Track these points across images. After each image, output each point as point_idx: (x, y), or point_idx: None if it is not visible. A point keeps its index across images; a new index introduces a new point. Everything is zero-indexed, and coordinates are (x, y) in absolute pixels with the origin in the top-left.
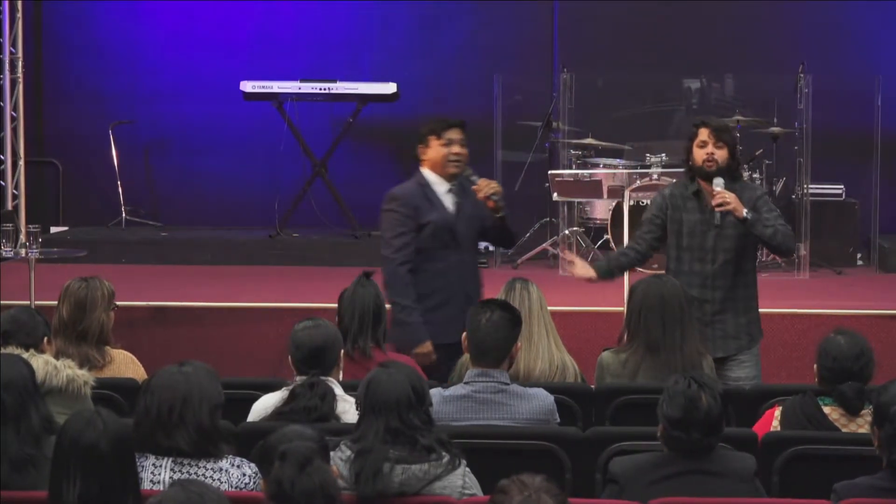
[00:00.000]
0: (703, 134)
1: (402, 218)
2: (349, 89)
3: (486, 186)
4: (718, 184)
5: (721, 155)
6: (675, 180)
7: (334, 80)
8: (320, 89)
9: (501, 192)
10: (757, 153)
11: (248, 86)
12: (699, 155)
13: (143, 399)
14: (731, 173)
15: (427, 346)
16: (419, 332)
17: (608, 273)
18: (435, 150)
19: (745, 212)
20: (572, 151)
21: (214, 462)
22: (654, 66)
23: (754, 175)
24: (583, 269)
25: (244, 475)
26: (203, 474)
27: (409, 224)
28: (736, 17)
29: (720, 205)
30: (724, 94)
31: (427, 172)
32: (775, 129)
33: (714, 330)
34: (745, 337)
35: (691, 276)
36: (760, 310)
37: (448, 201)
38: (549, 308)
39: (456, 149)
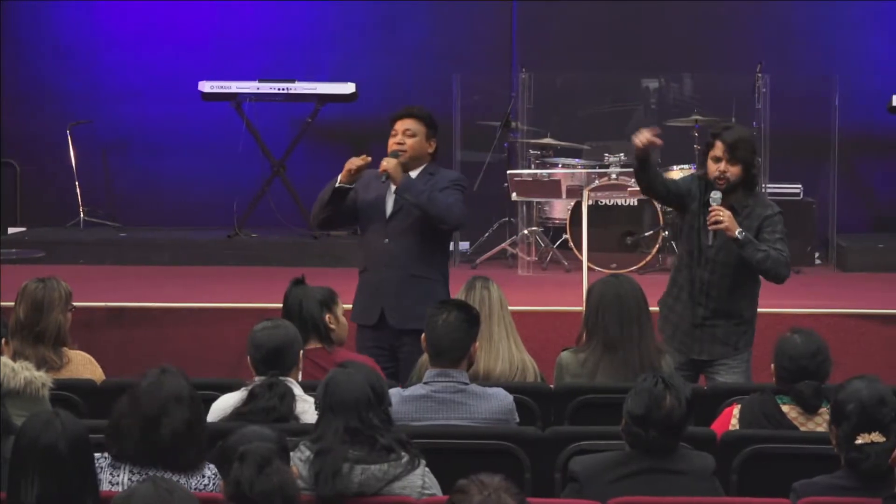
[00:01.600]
0: (718, 149)
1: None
2: (308, 89)
3: (382, 166)
4: (715, 199)
5: (734, 172)
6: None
7: (293, 81)
8: (279, 89)
9: (393, 167)
10: None
11: (206, 86)
12: (712, 169)
13: (144, 411)
14: (746, 186)
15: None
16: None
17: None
18: (390, 139)
19: (737, 232)
20: (531, 151)
21: (193, 469)
22: (612, 66)
23: None
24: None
25: (203, 476)
26: (162, 475)
27: (352, 194)
28: (694, 17)
29: (715, 222)
30: (683, 93)
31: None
32: None
33: (703, 332)
34: (732, 343)
35: (696, 277)
36: None
37: (385, 189)
38: (509, 308)
39: (398, 137)
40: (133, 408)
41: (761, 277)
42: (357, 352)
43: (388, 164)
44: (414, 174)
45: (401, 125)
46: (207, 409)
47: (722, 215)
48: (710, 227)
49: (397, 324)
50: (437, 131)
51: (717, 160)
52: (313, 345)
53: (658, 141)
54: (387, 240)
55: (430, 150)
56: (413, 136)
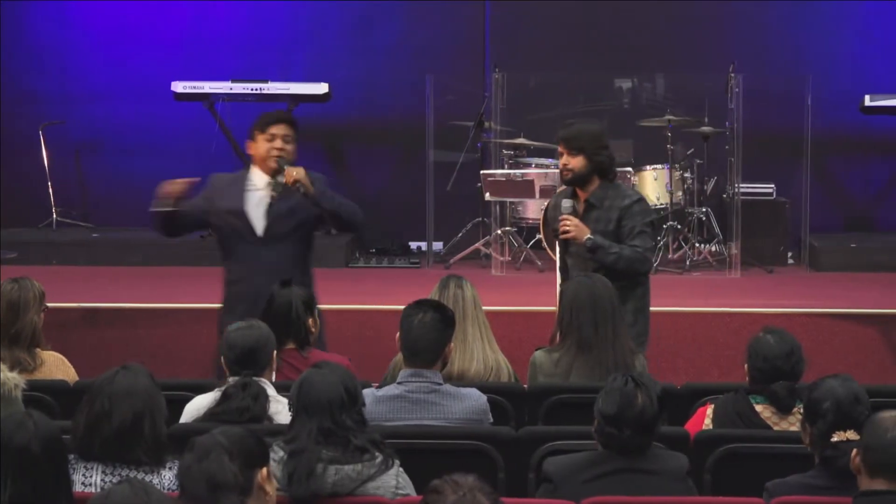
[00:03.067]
0: (561, 146)
1: (201, 195)
2: (281, 89)
3: (288, 175)
4: (565, 207)
5: (575, 163)
6: (562, 188)
7: (266, 81)
8: (252, 90)
9: (304, 175)
10: (688, 153)
11: (179, 86)
12: (559, 164)
13: (94, 407)
14: (600, 177)
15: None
16: None
17: None
18: (259, 143)
19: (585, 238)
20: (504, 151)
21: (147, 466)
22: (585, 66)
23: (685, 174)
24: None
25: (175, 477)
26: (135, 476)
27: (200, 201)
28: (667, 17)
29: (563, 232)
30: (656, 93)
31: (253, 169)
32: (706, 129)
33: None
34: None
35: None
36: (691, 308)
37: (257, 197)
38: (483, 308)
39: (279, 143)
40: (86, 402)
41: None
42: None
43: (297, 173)
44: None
45: (279, 130)
46: (181, 411)
47: (569, 225)
48: (560, 237)
49: None
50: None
51: (560, 155)
52: (289, 345)
53: None
54: (263, 248)
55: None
56: (291, 141)
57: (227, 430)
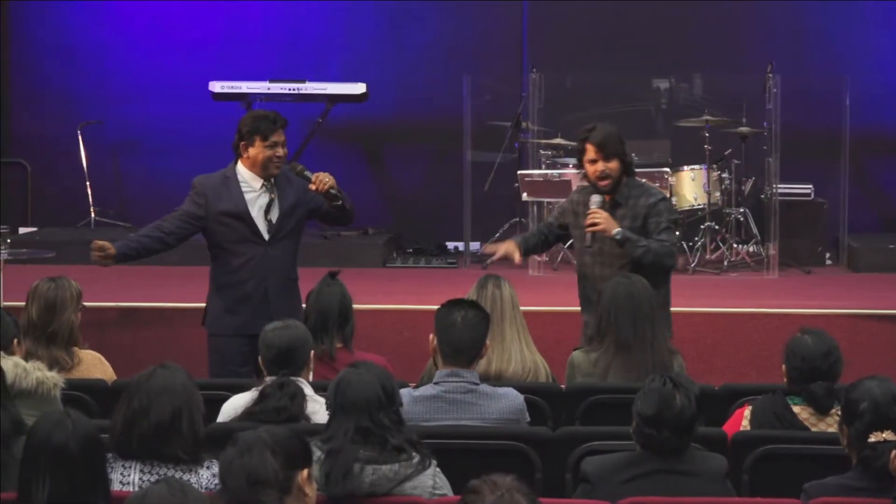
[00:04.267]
0: (590, 151)
1: (190, 201)
2: (318, 89)
3: (320, 182)
4: (595, 202)
5: (612, 167)
6: (584, 185)
7: (303, 81)
8: (289, 90)
9: (335, 183)
10: (726, 153)
11: (216, 86)
12: (590, 171)
13: (132, 405)
14: (628, 175)
15: None
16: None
17: (526, 253)
18: (258, 150)
19: (615, 232)
20: (541, 151)
21: (185, 464)
22: (623, 66)
23: (723, 175)
24: (507, 249)
25: (214, 476)
26: (173, 475)
27: (192, 208)
28: (705, 18)
29: (592, 224)
30: (693, 94)
31: (241, 169)
32: (744, 129)
33: None
34: None
35: (594, 279)
36: (729, 309)
37: (254, 197)
38: (520, 308)
39: (280, 151)
40: (124, 400)
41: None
42: (225, 363)
43: (329, 180)
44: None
45: (279, 137)
46: (218, 410)
47: (598, 217)
48: (587, 230)
49: None
50: None
51: (593, 162)
52: (337, 344)
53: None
54: (269, 248)
55: None
56: (285, 145)
57: (272, 428)
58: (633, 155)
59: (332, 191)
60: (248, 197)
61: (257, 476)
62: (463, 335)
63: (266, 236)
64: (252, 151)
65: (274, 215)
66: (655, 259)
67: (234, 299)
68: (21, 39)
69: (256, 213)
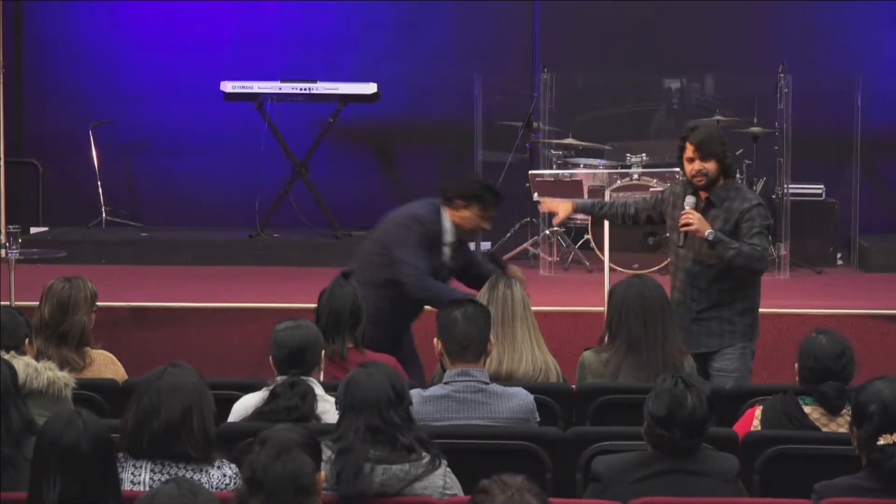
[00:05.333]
0: (689, 150)
1: (423, 241)
2: (329, 89)
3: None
4: (689, 203)
5: (709, 167)
6: (680, 178)
7: (315, 81)
8: (301, 89)
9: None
10: (737, 153)
11: (228, 86)
12: (688, 169)
13: (142, 403)
14: (726, 178)
15: None
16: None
17: (595, 215)
18: (472, 214)
19: (707, 232)
20: (553, 151)
21: (196, 462)
22: (634, 66)
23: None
24: (553, 204)
25: (224, 476)
26: (184, 475)
27: (425, 252)
28: (716, 17)
29: (685, 225)
30: (705, 93)
31: (446, 217)
32: (755, 129)
33: (700, 326)
34: (727, 335)
35: (683, 272)
36: None
37: (446, 253)
38: (531, 308)
39: (487, 225)
40: (134, 399)
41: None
42: None
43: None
44: None
45: (493, 213)
46: (229, 410)
47: (691, 218)
48: (681, 230)
49: None
50: None
51: (691, 160)
52: (348, 344)
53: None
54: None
55: None
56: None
57: (294, 426)
58: (733, 155)
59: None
60: (445, 251)
61: (300, 482)
62: (467, 329)
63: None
64: (465, 213)
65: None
66: (746, 262)
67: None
68: (34, 40)
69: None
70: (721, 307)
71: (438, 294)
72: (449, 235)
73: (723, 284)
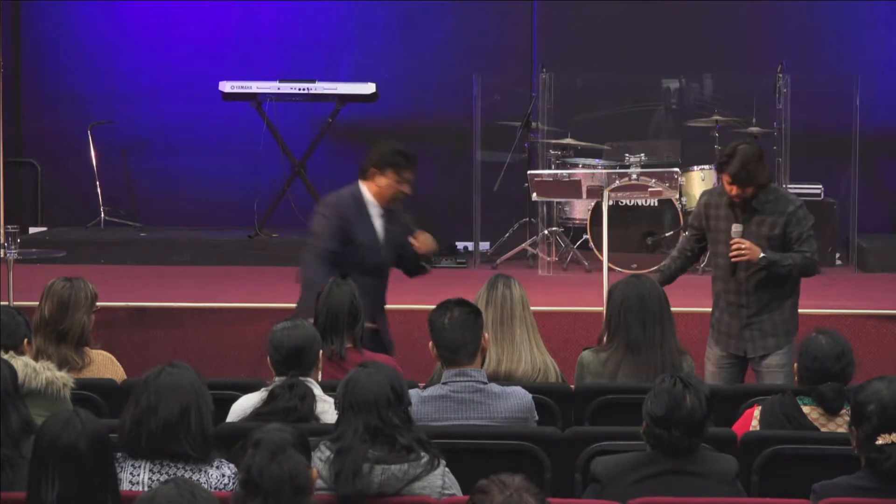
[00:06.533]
0: (726, 178)
1: (333, 225)
2: (328, 89)
3: (425, 245)
4: (736, 232)
5: (750, 191)
6: (714, 186)
7: (313, 81)
8: (299, 89)
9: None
10: None
11: (226, 86)
12: (728, 190)
13: (140, 403)
14: (764, 186)
15: None
16: None
17: (671, 279)
18: (389, 180)
19: (759, 259)
20: (551, 151)
21: (194, 462)
22: (633, 66)
23: None
24: None
25: (223, 476)
26: (182, 475)
27: (339, 235)
28: (715, 17)
29: (737, 256)
30: (703, 93)
31: (365, 190)
32: (754, 129)
33: (752, 331)
34: (782, 335)
35: (729, 280)
36: None
37: (378, 225)
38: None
39: (406, 188)
40: (132, 399)
41: None
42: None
43: (433, 245)
44: None
45: (412, 175)
46: (227, 410)
47: (743, 248)
48: (733, 261)
49: None
50: None
51: (730, 184)
52: (347, 344)
53: None
54: (378, 278)
55: None
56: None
57: (283, 427)
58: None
59: (432, 257)
60: (375, 224)
61: (298, 482)
62: (454, 335)
63: (383, 266)
64: (381, 181)
65: (389, 248)
66: (801, 272)
67: None
68: (32, 40)
69: (379, 244)
70: (771, 309)
71: (307, 277)
72: (374, 208)
73: (772, 285)
